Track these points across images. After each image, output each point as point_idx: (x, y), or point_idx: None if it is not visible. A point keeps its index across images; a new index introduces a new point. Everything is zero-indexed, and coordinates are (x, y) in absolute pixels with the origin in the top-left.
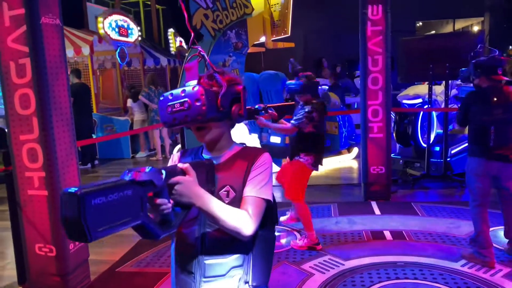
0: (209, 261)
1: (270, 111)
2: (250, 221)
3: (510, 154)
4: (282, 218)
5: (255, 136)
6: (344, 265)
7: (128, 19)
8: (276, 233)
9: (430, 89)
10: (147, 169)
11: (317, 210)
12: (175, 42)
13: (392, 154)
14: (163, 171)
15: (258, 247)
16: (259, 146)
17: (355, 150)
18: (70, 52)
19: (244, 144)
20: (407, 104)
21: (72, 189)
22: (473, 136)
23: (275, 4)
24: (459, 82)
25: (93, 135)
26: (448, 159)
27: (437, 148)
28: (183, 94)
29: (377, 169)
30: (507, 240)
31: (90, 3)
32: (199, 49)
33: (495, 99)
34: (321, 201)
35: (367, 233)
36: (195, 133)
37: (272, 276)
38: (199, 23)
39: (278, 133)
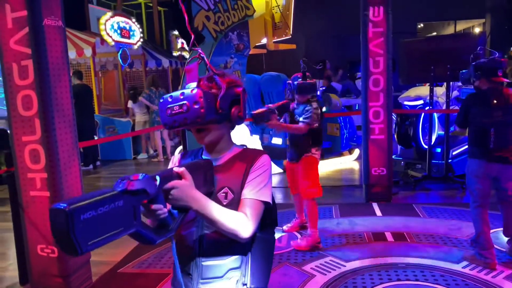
0: (207, 262)
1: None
2: (248, 223)
3: (510, 156)
4: (284, 227)
5: (256, 137)
6: (345, 266)
7: (130, 21)
8: (277, 235)
9: (431, 91)
10: (140, 177)
11: (318, 212)
12: (177, 43)
13: (393, 156)
14: (157, 177)
15: (257, 249)
16: (260, 147)
17: (357, 152)
18: (72, 54)
19: (245, 145)
20: (409, 105)
21: (61, 205)
22: (473, 138)
23: (276, 6)
24: (460, 83)
25: (95, 136)
26: (450, 161)
27: (439, 150)
28: (182, 97)
29: (378, 170)
30: (507, 239)
31: (92, 5)
32: (199, 51)
33: (495, 101)
34: (322, 203)
35: (368, 234)
36: (195, 135)
37: (273, 278)
38: (200, 24)
39: (279, 134)
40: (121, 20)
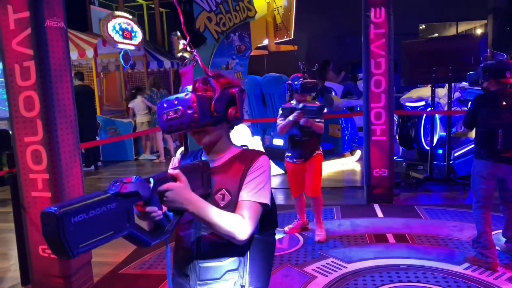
0: (204, 264)
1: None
2: (245, 225)
3: None
4: (286, 228)
5: (257, 138)
6: (346, 268)
7: (131, 22)
8: (278, 236)
9: (433, 92)
10: (133, 179)
11: (321, 215)
12: (179, 45)
13: (395, 157)
14: (151, 180)
15: (257, 250)
16: (261, 148)
17: (358, 153)
18: (74, 55)
19: (246, 146)
20: (410, 106)
21: (52, 209)
22: (480, 139)
23: (278, 7)
24: (462, 84)
25: (97, 137)
26: (451, 162)
27: (440, 151)
28: (176, 102)
29: (380, 171)
30: (504, 239)
31: (94, 6)
32: (194, 53)
33: (504, 102)
34: (324, 204)
35: (370, 235)
36: (193, 136)
37: (274, 279)
38: (202, 26)
39: (280, 136)
40: (123, 21)
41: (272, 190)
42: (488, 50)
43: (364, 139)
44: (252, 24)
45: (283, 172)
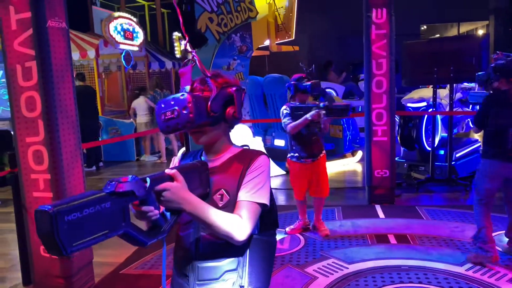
0: (203, 264)
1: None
2: (243, 226)
3: None
4: (287, 229)
5: (259, 139)
6: (348, 268)
7: (133, 23)
8: (279, 236)
9: (434, 93)
10: (129, 179)
11: (322, 214)
12: (180, 45)
13: (396, 158)
14: (148, 179)
15: (256, 251)
16: (263, 149)
17: (359, 154)
18: (75, 55)
19: (247, 146)
20: (412, 107)
21: (46, 207)
22: (490, 138)
23: (279, 8)
24: (463, 85)
25: (98, 138)
26: (453, 163)
27: (442, 152)
28: (172, 103)
29: (381, 172)
30: (507, 240)
31: (95, 6)
32: (193, 53)
33: None
34: (325, 204)
35: (371, 236)
36: (191, 136)
37: (275, 279)
38: (203, 26)
39: (282, 136)
40: (124, 22)
41: (273, 190)
42: (498, 52)
43: (366, 139)
44: (253, 24)
45: (284, 172)
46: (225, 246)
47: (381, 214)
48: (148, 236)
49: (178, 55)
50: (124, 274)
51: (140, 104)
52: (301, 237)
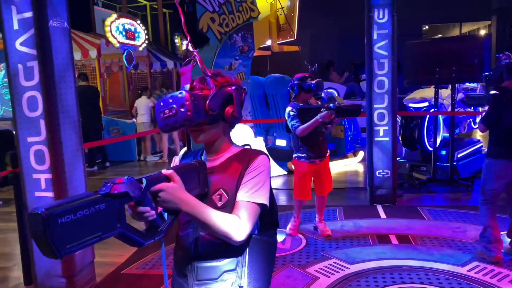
0: (202, 264)
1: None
2: (241, 226)
3: None
4: (288, 230)
5: (260, 139)
6: (349, 268)
7: (135, 23)
8: (281, 237)
9: (436, 93)
10: (124, 180)
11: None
12: (182, 45)
13: (398, 158)
14: (144, 180)
15: (256, 251)
16: (264, 149)
17: (361, 154)
18: (77, 55)
19: (248, 145)
20: (413, 107)
21: (39, 209)
22: (499, 138)
23: (281, 8)
24: (465, 85)
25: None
26: (455, 163)
27: (444, 152)
28: (171, 101)
29: (383, 172)
30: (509, 240)
31: (97, 7)
32: (195, 53)
33: None
34: (327, 205)
35: (373, 236)
36: (190, 134)
37: (276, 279)
38: (205, 26)
39: (283, 136)
40: (126, 22)
41: (274, 191)
42: (506, 52)
43: (367, 140)
44: (255, 24)
45: (285, 172)
46: (224, 246)
47: (382, 215)
48: (144, 236)
49: (180, 55)
50: (126, 274)
51: (140, 104)
52: (302, 237)
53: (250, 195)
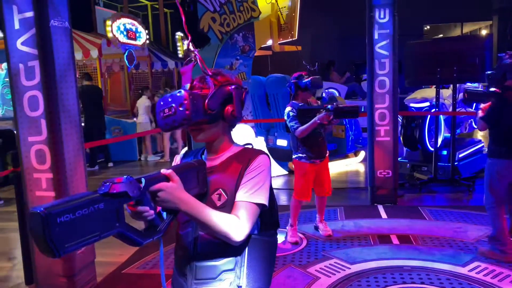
0: (200, 263)
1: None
2: (240, 226)
3: None
4: (289, 239)
5: (261, 139)
6: (350, 268)
7: (136, 23)
8: (282, 237)
9: (437, 93)
10: (124, 179)
11: (324, 214)
12: (183, 45)
13: (399, 158)
14: (143, 180)
15: (255, 251)
16: (265, 149)
17: (362, 154)
18: (78, 55)
19: (250, 144)
20: (415, 107)
21: (38, 209)
22: (499, 138)
23: (282, 8)
24: (466, 85)
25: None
26: (456, 163)
27: (445, 152)
28: (170, 100)
29: (384, 172)
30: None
31: (98, 6)
32: (195, 52)
33: None
34: (328, 205)
35: (374, 236)
36: (190, 133)
37: (277, 279)
38: (206, 26)
39: (284, 136)
40: (127, 22)
41: (275, 191)
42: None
43: (368, 140)
44: (256, 24)
45: (286, 172)
46: (223, 246)
47: (383, 215)
48: (143, 236)
49: (181, 55)
50: (126, 273)
51: (141, 104)
52: (303, 237)
53: (249, 195)
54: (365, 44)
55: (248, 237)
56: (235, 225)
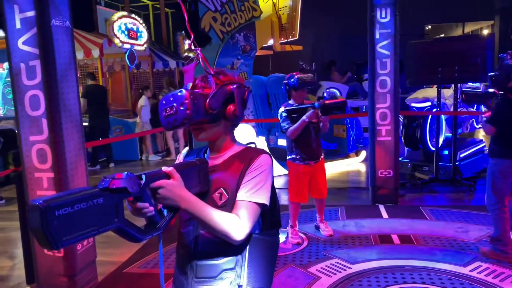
0: (201, 262)
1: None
2: (240, 226)
3: None
4: (291, 240)
5: (262, 138)
6: (351, 268)
7: (137, 22)
8: (283, 236)
9: (439, 93)
10: (124, 176)
11: (324, 213)
12: (184, 45)
13: (400, 158)
14: (143, 176)
15: (256, 251)
16: (266, 148)
17: (363, 154)
18: (80, 55)
19: (254, 143)
20: (416, 107)
21: (37, 201)
22: (501, 138)
23: (283, 7)
24: (468, 85)
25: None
26: (457, 163)
27: (446, 152)
28: (171, 99)
29: (385, 172)
30: None
31: (100, 6)
32: (198, 51)
33: None
34: (329, 204)
35: (375, 236)
36: (192, 132)
37: (278, 279)
38: (207, 26)
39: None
40: (128, 21)
41: (277, 190)
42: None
43: (369, 139)
44: (257, 24)
45: (287, 172)
46: (223, 245)
47: (384, 214)
48: (142, 232)
49: (182, 55)
50: (127, 273)
51: (141, 103)
52: (304, 237)
53: (250, 195)
54: (366, 44)
55: (249, 236)
56: (236, 224)
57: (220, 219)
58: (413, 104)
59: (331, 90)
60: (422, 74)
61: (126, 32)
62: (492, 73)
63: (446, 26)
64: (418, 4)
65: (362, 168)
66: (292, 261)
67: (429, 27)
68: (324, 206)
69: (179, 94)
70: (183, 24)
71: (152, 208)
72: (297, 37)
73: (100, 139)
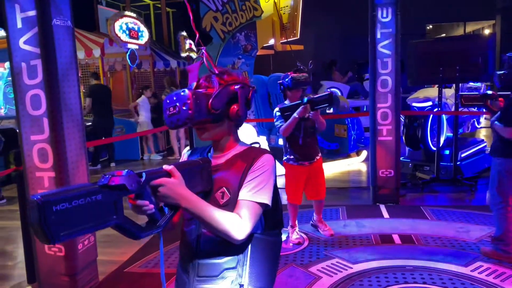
0: (203, 261)
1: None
2: (242, 225)
3: None
4: (292, 242)
5: (263, 138)
6: (352, 268)
7: (138, 22)
8: (284, 236)
9: (440, 92)
10: (124, 173)
11: (325, 213)
12: (185, 44)
13: (401, 157)
14: (143, 174)
15: (258, 250)
16: (267, 148)
17: (364, 153)
18: (81, 54)
19: (258, 143)
20: (417, 107)
21: (36, 196)
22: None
23: (284, 7)
24: (469, 85)
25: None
26: (458, 163)
27: (447, 152)
28: (175, 99)
29: (386, 172)
30: None
31: (101, 6)
32: (203, 50)
33: None
34: (329, 204)
35: (376, 236)
36: (196, 131)
37: (279, 279)
38: (208, 25)
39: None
40: (129, 21)
41: (279, 190)
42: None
43: (370, 139)
44: (258, 23)
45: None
46: (225, 244)
47: (385, 214)
48: (142, 229)
49: (183, 54)
50: (128, 272)
51: (140, 103)
52: (305, 237)
53: (252, 195)
54: (367, 43)
55: (251, 236)
56: (237, 223)
57: (221, 218)
58: (414, 104)
59: (332, 90)
60: (423, 74)
61: (127, 32)
62: (500, 72)
63: (448, 26)
64: (420, 3)
65: (363, 167)
66: (292, 260)
67: (430, 26)
68: (322, 207)
69: (182, 94)
70: (185, 23)
71: (152, 206)
72: (298, 37)
73: (103, 138)
